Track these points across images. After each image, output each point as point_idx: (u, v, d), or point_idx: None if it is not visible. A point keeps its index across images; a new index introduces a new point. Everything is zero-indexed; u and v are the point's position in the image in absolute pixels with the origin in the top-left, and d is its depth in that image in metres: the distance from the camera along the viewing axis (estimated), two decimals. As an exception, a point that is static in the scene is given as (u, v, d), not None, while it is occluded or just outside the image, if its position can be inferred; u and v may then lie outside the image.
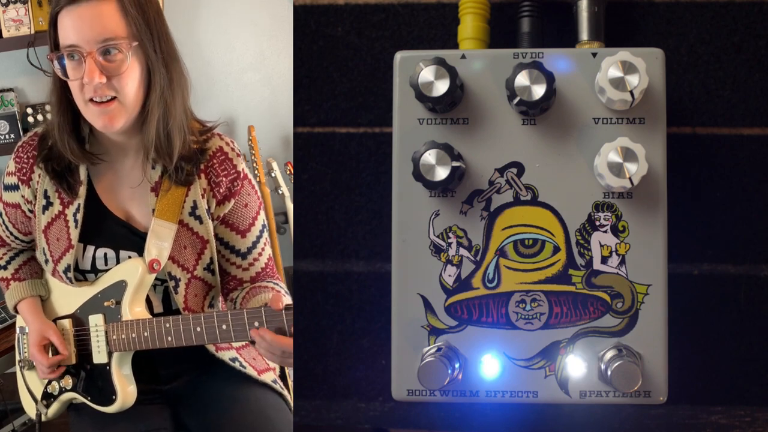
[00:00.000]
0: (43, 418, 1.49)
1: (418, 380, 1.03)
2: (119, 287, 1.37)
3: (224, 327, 1.26)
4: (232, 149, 1.41)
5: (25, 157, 1.41)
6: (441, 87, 1.03)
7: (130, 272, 1.37)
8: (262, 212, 1.46)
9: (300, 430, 1.18)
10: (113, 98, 1.26)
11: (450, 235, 1.07)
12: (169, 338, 1.31)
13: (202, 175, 1.38)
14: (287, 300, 1.27)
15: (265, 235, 1.48)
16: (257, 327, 1.22)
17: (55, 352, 1.42)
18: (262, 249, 1.47)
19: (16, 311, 1.52)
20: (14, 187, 1.43)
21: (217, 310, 1.29)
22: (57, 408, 1.48)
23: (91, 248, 1.39)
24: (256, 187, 1.45)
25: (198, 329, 1.28)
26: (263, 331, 1.22)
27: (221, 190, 1.38)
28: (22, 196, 1.43)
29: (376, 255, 1.17)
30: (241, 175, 1.40)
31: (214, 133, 1.42)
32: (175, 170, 1.35)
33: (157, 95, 1.29)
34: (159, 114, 1.30)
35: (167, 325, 1.31)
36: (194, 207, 1.37)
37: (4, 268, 1.53)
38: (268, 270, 1.48)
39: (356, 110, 1.18)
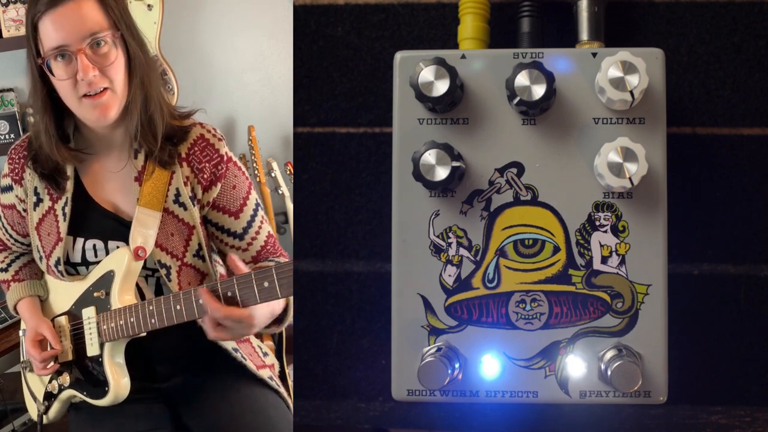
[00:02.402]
0: (45, 420, 1.49)
1: (418, 380, 1.04)
2: (108, 278, 1.39)
3: (200, 302, 1.26)
4: (213, 135, 1.42)
5: (17, 158, 1.44)
6: (441, 87, 1.03)
7: (117, 261, 1.38)
8: (253, 192, 1.47)
9: (300, 430, 1.18)
10: (105, 89, 1.29)
11: (450, 235, 1.07)
12: (153, 320, 1.32)
13: (185, 164, 1.39)
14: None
15: (261, 213, 1.48)
16: (230, 296, 1.23)
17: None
18: (259, 227, 1.47)
19: (17, 311, 1.53)
20: (9, 188, 1.46)
21: (195, 287, 1.30)
22: (58, 408, 1.48)
23: (80, 240, 1.41)
24: (243, 168, 1.46)
25: (178, 307, 1.29)
26: (210, 301, 1.22)
27: (205, 176, 1.39)
28: (16, 196, 1.46)
29: (376, 255, 1.17)
30: (224, 158, 1.41)
31: (195, 122, 1.43)
32: (159, 150, 1.38)
33: (138, 80, 1.34)
34: (141, 98, 1.35)
35: (150, 308, 1.32)
36: (177, 194, 1.39)
37: (5, 270, 1.55)
38: (269, 248, 1.48)
39: (356, 110, 1.18)
